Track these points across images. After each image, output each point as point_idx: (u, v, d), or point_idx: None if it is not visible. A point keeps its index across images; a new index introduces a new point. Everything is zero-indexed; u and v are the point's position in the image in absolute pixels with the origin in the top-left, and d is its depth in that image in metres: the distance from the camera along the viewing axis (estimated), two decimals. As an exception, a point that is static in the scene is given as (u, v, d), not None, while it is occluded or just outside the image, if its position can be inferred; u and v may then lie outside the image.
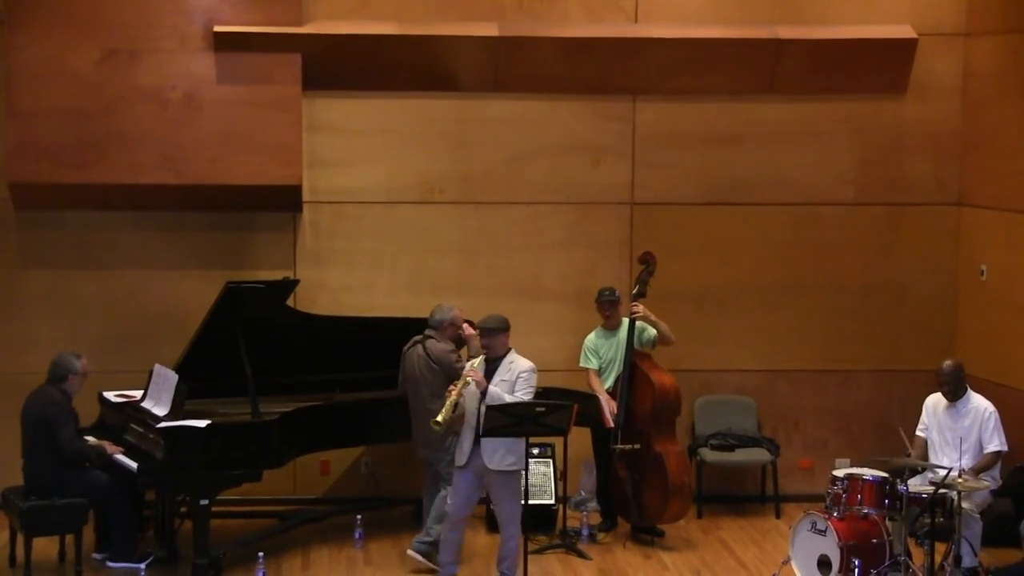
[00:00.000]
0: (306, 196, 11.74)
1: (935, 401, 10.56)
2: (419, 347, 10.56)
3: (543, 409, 9.81)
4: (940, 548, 9.91)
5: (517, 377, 9.86)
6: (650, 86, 11.91)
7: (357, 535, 11.07)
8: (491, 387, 9.74)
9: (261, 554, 10.26)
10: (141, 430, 10.44)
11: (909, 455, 10.12)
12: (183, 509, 10.67)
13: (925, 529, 9.76)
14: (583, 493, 11.84)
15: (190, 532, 10.30)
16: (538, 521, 11.08)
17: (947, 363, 10.48)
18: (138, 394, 10.79)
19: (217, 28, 11.36)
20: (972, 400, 10.42)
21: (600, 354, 11.25)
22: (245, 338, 10.37)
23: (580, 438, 11.11)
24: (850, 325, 12.18)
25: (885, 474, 9.92)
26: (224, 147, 11.40)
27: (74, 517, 10.19)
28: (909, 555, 9.92)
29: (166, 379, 10.48)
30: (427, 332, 10.60)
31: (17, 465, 10.39)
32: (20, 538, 10.26)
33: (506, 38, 11.67)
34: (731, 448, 11.80)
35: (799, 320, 12.15)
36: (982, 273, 11.84)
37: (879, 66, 11.95)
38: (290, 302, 11.10)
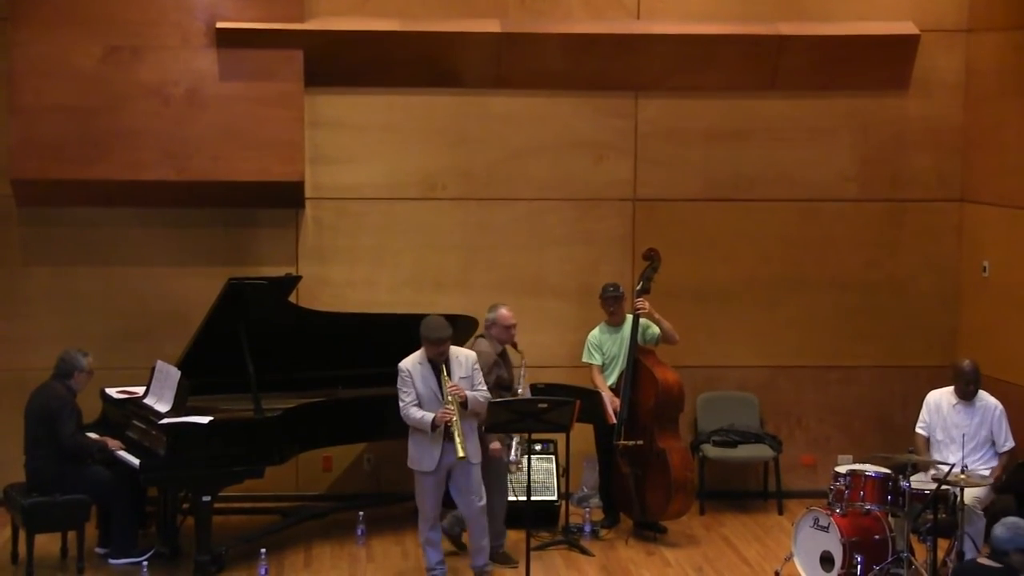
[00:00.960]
0: (308, 192, 11.74)
1: (938, 398, 10.56)
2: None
3: (545, 405, 9.82)
4: (943, 544, 9.92)
5: (473, 370, 9.89)
6: (652, 82, 11.91)
7: (359, 532, 11.06)
8: (468, 393, 9.79)
9: (263, 550, 10.26)
10: (143, 426, 10.44)
11: (911, 451, 10.11)
12: (185, 505, 10.65)
13: (928, 525, 9.77)
14: (585, 489, 11.84)
15: (192, 528, 10.30)
16: (541, 517, 11.09)
17: (966, 362, 10.47)
18: (140, 390, 10.80)
19: (220, 25, 11.36)
20: (981, 398, 10.43)
21: (604, 350, 11.25)
22: (247, 334, 10.38)
23: (583, 434, 11.10)
24: (852, 321, 12.18)
25: (888, 470, 9.92)
26: (226, 143, 11.40)
27: (76, 513, 10.19)
28: (912, 551, 9.92)
29: (168, 375, 10.49)
30: (480, 332, 10.63)
31: (19, 462, 10.40)
32: (22, 534, 10.26)
33: (508, 34, 11.66)
34: (733, 444, 11.80)
35: (801, 316, 12.15)
36: (984, 269, 11.84)
37: (881, 62, 11.95)
38: (292, 298, 11.09)
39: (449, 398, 9.70)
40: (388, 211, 11.88)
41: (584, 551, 10.89)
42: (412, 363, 9.87)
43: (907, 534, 9.89)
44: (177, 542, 10.59)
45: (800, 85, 11.96)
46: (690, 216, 12.05)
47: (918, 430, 10.62)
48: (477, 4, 11.73)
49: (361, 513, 11.15)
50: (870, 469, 9.97)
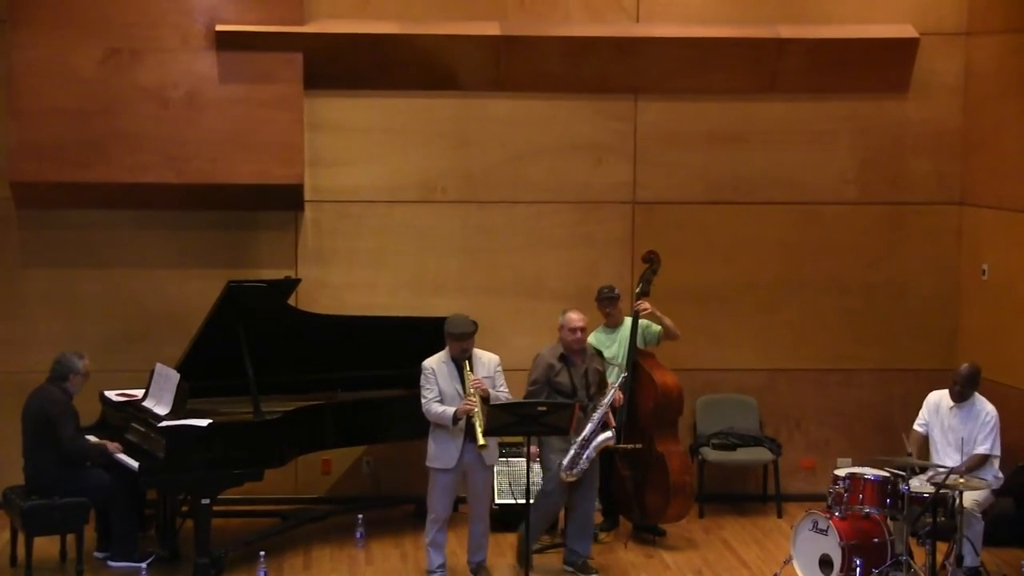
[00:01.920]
0: (308, 195, 11.74)
1: (938, 399, 10.55)
2: None
3: (545, 408, 9.83)
4: (942, 547, 9.90)
5: (496, 371, 9.96)
6: (652, 85, 11.91)
7: (359, 535, 11.06)
8: (491, 391, 9.85)
9: (262, 553, 10.25)
10: (143, 429, 10.44)
11: (910, 455, 10.10)
12: (184, 508, 10.66)
13: (927, 528, 9.76)
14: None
15: (191, 531, 10.29)
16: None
17: (965, 365, 10.44)
18: (139, 393, 10.79)
19: (219, 27, 11.36)
20: (978, 404, 10.40)
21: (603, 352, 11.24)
22: (247, 337, 10.38)
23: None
24: (852, 324, 12.17)
25: (887, 473, 9.91)
26: (226, 146, 11.40)
27: (75, 516, 10.18)
28: (911, 554, 9.91)
29: (168, 378, 10.48)
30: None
31: (18, 464, 10.39)
32: (21, 537, 10.26)
33: (508, 37, 11.67)
34: (733, 447, 11.80)
35: (801, 319, 12.15)
36: (984, 272, 11.84)
37: (881, 65, 11.95)
38: (291, 301, 11.10)
39: (472, 390, 9.74)
40: (387, 214, 11.88)
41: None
42: (436, 362, 9.94)
43: (906, 537, 9.89)
44: (176, 545, 10.59)
45: (800, 88, 11.96)
46: (690, 219, 12.05)
47: (915, 427, 10.59)
48: (476, 7, 11.73)
49: (360, 516, 11.14)
50: (869, 472, 9.96)
